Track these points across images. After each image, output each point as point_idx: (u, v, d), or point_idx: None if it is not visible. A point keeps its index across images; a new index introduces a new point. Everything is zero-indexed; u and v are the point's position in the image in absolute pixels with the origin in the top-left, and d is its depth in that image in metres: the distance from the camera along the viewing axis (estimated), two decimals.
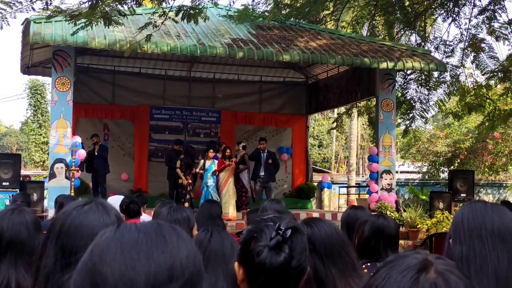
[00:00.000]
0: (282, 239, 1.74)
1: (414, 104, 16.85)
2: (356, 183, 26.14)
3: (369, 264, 3.26)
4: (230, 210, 13.53)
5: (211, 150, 14.09)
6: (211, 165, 13.81)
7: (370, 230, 3.36)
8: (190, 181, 13.90)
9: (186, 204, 13.42)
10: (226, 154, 14.24)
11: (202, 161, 14.09)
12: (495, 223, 2.09)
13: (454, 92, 16.58)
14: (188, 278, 1.04)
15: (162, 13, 10.69)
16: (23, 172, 18.99)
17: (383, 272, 1.09)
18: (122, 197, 6.34)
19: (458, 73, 15.96)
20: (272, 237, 1.74)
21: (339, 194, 21.80)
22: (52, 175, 12.40)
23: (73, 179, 12.18)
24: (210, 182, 13.71)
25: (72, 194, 11.14)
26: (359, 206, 4.45)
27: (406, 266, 1.07)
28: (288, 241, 1.74)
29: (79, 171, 12.78)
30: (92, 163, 14.52)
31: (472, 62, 15.30)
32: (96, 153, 14.58)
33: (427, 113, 17.25)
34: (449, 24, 16.24)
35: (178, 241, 1.08)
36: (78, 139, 12.79)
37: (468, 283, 1.07)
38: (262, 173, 14.95)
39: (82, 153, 13.00)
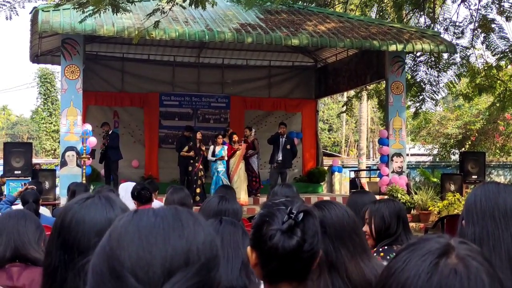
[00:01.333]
0: (294, 223, 1.73)
1: (424, 86, 16.74)
2: (366, 167, 26.11)
3: (386, 247, 3.26)
4: (241, 195, 13.55)
5: (220, 136, 14.13)
6: (221, 150, 13.85)
7: (390, 215, 3.30)
8: (201, 167, 13.92)
9: (198, 190, 13.48)
10: (234, 140, 14.25)
11: (212, 147, 14.11)
12: (508, 204, 2.09)
13: (464, 73, 16.45)
14: (204, 263, 1.05)
15: None
16: (34, 160, 19.09)
17: (403, 255, 1.07)
18: (133, 184, 6.37)
19: (468, 54, 15.84)
20: (284, 221, 1.74)
21: (350, 177, 21.77)
22: (63, 163, 12.48)
23: (84, 167, 12.23)
24: (221, 167, 13.76)
25: (84, 181, 11.18)
26: (362, 190, 4.42)
27: (427, 250, 1.05)
28: (300, 225, 1.74)
29: (90, 158, 12.83)
30: (106, 153, 14.56)
31: (482, 43, 15.18)
32: (107, 143, 14.57)
33: (437, 95, 17.15)
34: (458, 5, 16.10)
35: (195, 226, 1.09)
36: (88, 127, 12.83)
37: (490, 269, 1.04)
38: (279, 158, 14.75)
39: (93, 141, 13.05)
